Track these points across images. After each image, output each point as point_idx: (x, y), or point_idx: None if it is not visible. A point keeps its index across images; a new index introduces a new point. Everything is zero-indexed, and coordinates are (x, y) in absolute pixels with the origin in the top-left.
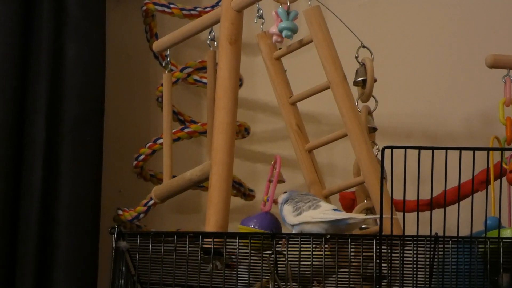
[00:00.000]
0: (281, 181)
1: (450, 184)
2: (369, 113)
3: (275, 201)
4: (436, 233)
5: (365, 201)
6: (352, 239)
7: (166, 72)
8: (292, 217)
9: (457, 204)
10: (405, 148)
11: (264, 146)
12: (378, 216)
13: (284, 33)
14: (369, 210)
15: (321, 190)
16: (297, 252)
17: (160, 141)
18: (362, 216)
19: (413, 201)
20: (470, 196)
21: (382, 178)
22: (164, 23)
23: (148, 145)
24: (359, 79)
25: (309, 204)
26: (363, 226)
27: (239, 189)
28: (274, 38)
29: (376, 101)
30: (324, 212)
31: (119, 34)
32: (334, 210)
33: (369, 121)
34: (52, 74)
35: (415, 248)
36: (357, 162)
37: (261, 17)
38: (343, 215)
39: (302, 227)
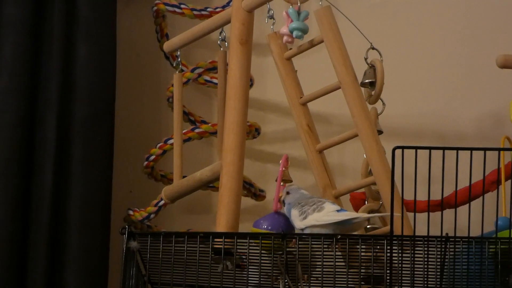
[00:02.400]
0: (288, 180)
1: (461, 184)
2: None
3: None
4: (447, 234)
5: (366, 202)
6: (362, 239)
7: (177, 72)
8: (299, 222)
9: (468, 205)
10: (416, 148)
11: (275, 146)
12: (382, 214)
13: (294, 33)
14: (374, 212)
15: (331, 190)
16: (307, 253)
17: (171, 141)
18: (365, 215)
19: (423, 201)
20: (481, 197)
21: (393, 178)
22: (174, 23)
23: (158, 145)
24: (367, 80)
25: (314, 207)
26: (368, 226)
27: (250, 189)
28: (285, 38)
29: (384, 104)
30: (327, 214)
31: (130, 34)
32: (338, 211)
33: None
34: (63, 75)
35: (425, 249)
36: (365, 163)
37: (271, 17)
38: (346, 215)
39: (311, 230)
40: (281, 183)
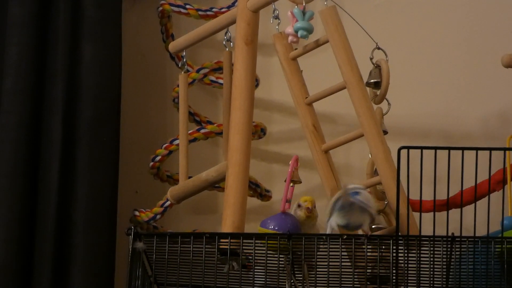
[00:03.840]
0: (297, 181)
1: (466, 184)
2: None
3: (288, 201)
4: (452, 233)
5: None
6: (368, 239)
7: (182, 72)
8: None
9: (473, 204)
10: (422, 148)
11: (281, 146)
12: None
13: (300, 33)
14: (380, 211)
15: (337, 190)
16: (313, 253)
17: (177, 142)
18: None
19: (429, 201)
20: (487, 196)
21: (399, 178)
22: (180, 23)
23: (164, 146)
24: (373, 80)
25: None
26: (374, 226)
27: (256, 189)
28: (290, 38)
29: (389, 104)
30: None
31: (135, 35)
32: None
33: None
34: (69, 75)
35: (431, 248)
36: (370, 163)
37: (277, 17)
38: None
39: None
40: (290, 184)
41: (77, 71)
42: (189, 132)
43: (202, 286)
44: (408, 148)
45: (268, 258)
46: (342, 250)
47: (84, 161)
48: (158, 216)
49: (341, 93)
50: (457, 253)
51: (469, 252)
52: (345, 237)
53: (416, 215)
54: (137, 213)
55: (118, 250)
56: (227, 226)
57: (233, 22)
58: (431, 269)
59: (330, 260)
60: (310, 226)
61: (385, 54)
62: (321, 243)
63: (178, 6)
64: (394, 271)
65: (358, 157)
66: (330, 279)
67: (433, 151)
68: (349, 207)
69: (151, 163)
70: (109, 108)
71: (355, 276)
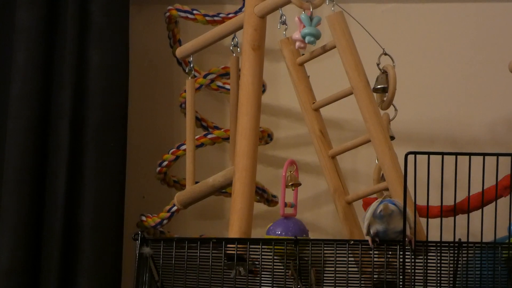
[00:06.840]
0: (297, 184)
1: (473, 189)
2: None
3: (292, 205)
4: (459, 239)
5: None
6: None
7: (189, 78)
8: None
9: (480, 210)
10: (429, 153)
11: (287, 152)
12: None
13: (307, 39)
14: None
15: (344, 196)
16: (320, 258)
17: (183, 147)
18: None
19: (436, 206)
20: (494, 202)
21: (406, 183)
22: (187, 29)
23: (171, 151)
24: (379, 86)
25: None
26: None
27: (262, 195)
28: (297, 44)
29: (396, 109)
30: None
31: (143, 40)
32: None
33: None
34: (76, 80)
35: (438, 254)
36: (377, 168)
37: (284, 23)
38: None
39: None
40: (292, 188)
41: (84, 76)
42: (196, 137)
43: None
44: (415, 153)
45: (274, 264)
46: (349, 255)
47: (91, 166)
48: (165, 221)
49: (348, 98)
50: (464, 259)
51: (476, 258)
52: (351, 242)
53: (423, 220)
54: (144, 218)
55: (125, 255)
56: (234, 231)
57: (240, 27)
58: (438, 275)
59: (337, 265)
60: None
61: (392, 60)
62: (328, 248)
63: (185, 11)
64: (401, 277)
65: (365, 162)
66: (336, 284)
67: (440, 156)
68: (389, 215)
69: (158, 168)
70: (116, 113)
71: (362, 282)
